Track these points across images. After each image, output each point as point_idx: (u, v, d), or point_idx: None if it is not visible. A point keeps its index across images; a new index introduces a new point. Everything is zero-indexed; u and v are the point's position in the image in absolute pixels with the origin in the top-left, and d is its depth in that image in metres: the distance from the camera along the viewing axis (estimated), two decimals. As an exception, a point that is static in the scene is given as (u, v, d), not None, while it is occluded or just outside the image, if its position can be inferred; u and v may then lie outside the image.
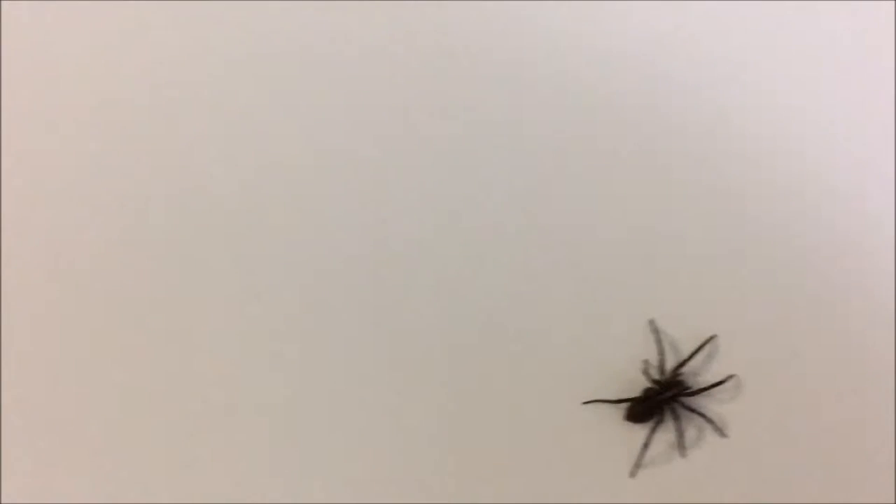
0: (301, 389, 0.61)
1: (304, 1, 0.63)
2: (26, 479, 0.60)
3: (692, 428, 0.59)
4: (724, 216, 0.61)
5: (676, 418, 0.58)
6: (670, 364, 0.59)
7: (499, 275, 0.61)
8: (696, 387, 0.58)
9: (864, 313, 0.60)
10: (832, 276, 0.60)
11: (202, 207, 0.62)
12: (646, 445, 0.58)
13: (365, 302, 0.62)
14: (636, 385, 0.59)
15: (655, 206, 0.61)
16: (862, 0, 0.62)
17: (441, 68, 0.63)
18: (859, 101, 0.62)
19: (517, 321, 0.61)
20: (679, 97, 0.62)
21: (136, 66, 0.64)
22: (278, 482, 0.60)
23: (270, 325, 0.61)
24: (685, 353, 0.59)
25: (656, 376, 0.58)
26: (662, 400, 0.58)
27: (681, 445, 0.58)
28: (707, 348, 0.59)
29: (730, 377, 0.58)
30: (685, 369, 0.58)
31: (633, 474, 0.58)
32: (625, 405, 0.58)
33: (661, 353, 0.58)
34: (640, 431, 0.58)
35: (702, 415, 0.58)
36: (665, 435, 0.59)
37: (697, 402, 0.58)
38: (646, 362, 0.58)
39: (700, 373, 0.59)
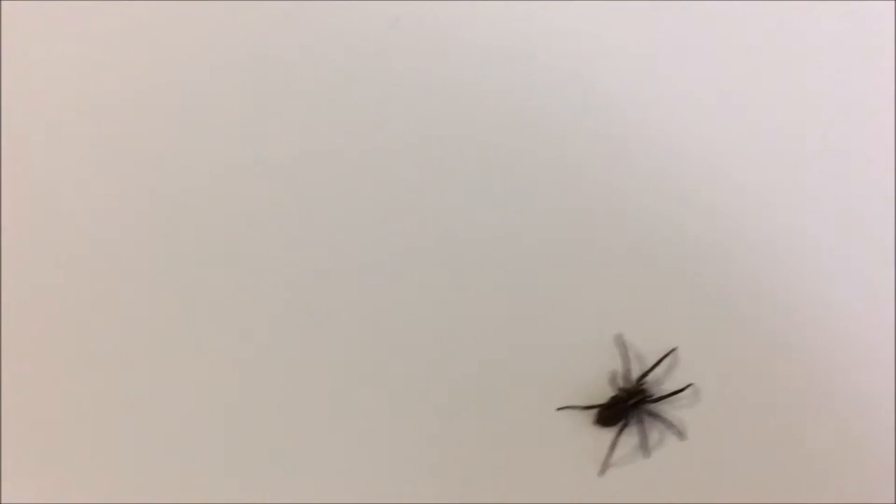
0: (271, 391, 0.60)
1: (304, 1, 0.62)
2: (26, 479, 0.58)
3: (655, 431, 0.59)
4: (686, 243, 0.60)
5: (640, 423, 0.59)
6: (635, 374, 0.59)
7: (483, 291, 0.61)
8: (657, 394, 0.59)
9: (807, 327, 0.60)
10: (780, 293, 0.60)
11: (202, 207, 0.61)
12: (613, 447, 0.58)
13: (345, 309, 0.60)
14: (605, 393, 0.59)
15: (624, 233, 0.61)
16: (862, 0, 0.61)
17: (441, 69, 0.61)
18: (859, 101, 0.61)
19: (501, 337, 0.60)
20: (665, 101, 0.61)
21: (136, 66, 0.61)
22: (278, 482, 0.59)
23: (260, 327, 0.60)
24: (648, 364, 0.59)
25: (622, 385, 0.59)
26: (628, 406, 0.58)
27: (644, 447, 0.59)
28: (668, 360, 0.59)
29: (688, 386, 0.59)
30: (648, 379, 0.59)
31: (601, 473, 0.59)
32: (594, 411, 0.59)
33: (627, 364, 0.59)
34: (608, 434, 0.59)
35: (663, 419, 0.59)
36: (630, 438, 0.59)
37: (659, 408, 0.59)
38: (613, 372, 0.59)
39: (661, 382, 0.59)
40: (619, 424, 0.59)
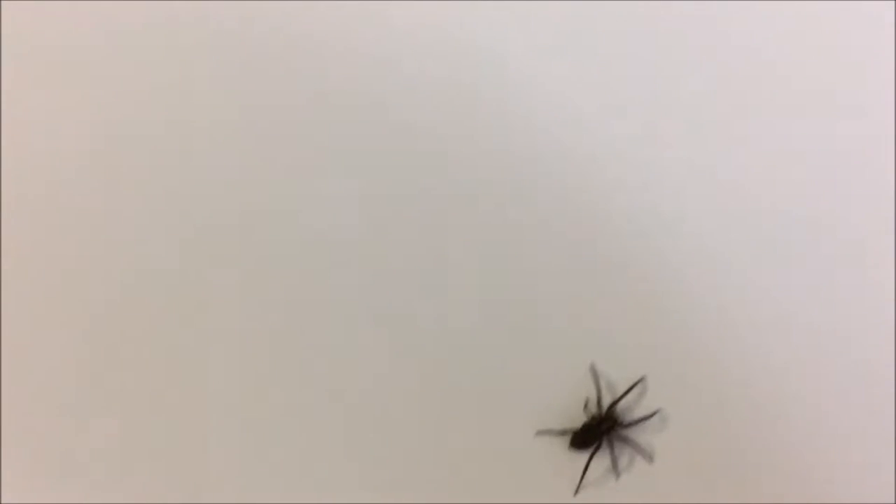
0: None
1: (304, 1, 0.61)
2: (26, 479, 0.57)
3: (624, 455, 0.60)
4: (654, 281, 0.60)
5: (611, 446, 0.59)
6: (607, 401, 0.60)
7: (469, 324, 0.61)
8: (627, 420, 0.59)
9: (764, 357, 0.60)
10: (739, 325, 0.60)
11: (202, 207, 0.60)
12: (586, 469, 0.59)
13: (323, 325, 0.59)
14: (580, 418, 0.60)
15: (595, 270, 0.61)
16: (862, 0, 0.60)
17: (440, 70, 0.60)
18: (859, 101, 0.59)
19: (484, 366, 0.60)
20: (659, 107, 0.60)
21: (136, 66, 0.60)
22: (278, 482, 0.59)
23: (261, 327, 0.59)
24: (619, 391, 0.60)
25: (595, 411, 0.60)
26: (600, 431, 0.59)
27: (615, 469, 0.60)
28: (637, 388, 0.60)
29: (655, 412, 0.60)
30: (619, 406, 0.59)
31: (576, 493, 0.59)
32: (569, 435, 0.59)
33: (599, 391, 0.60)
34: (581, 457, 0.59)
35: (632, 443, 0.60)
36: (602, 460, 0.59)
37: (629, 432, 0.60)
38: (587, 399, 0.60)
39: (631, 408, 0.60)
40: (592, 448, 0.59)
